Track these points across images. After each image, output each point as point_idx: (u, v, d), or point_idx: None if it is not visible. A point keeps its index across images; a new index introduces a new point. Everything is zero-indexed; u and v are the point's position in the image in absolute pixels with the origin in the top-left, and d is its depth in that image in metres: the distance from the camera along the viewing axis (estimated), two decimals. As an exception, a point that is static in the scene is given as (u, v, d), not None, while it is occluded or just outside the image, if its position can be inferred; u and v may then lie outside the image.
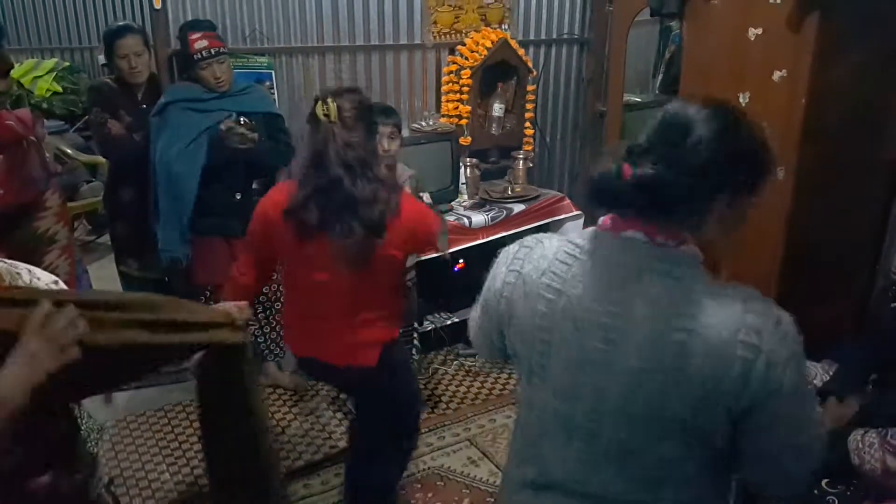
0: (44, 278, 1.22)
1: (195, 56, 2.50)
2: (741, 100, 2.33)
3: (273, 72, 3.02)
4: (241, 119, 2.50)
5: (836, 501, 1.68)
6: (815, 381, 2.02)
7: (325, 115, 1.68)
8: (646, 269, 1.02)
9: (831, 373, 2.04)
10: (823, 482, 1.73)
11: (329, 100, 1.69)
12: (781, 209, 2.24)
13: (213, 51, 2.51)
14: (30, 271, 1.22)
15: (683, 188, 0.98)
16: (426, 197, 2.75)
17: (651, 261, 1.03)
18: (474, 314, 1.30)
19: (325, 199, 1.69)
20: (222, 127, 2.51)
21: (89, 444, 1.76)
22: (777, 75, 2.21)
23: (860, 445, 1.66)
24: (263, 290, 2.83)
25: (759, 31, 2.25)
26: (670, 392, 0.98)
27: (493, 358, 1.31)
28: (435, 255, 2.25)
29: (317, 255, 1.75)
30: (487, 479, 2.40)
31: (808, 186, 2.22)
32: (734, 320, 0.98)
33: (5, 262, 1.20)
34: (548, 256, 1.10)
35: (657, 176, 0.98)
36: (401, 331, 2.00)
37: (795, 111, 2.16)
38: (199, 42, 2.50)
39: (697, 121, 1.01)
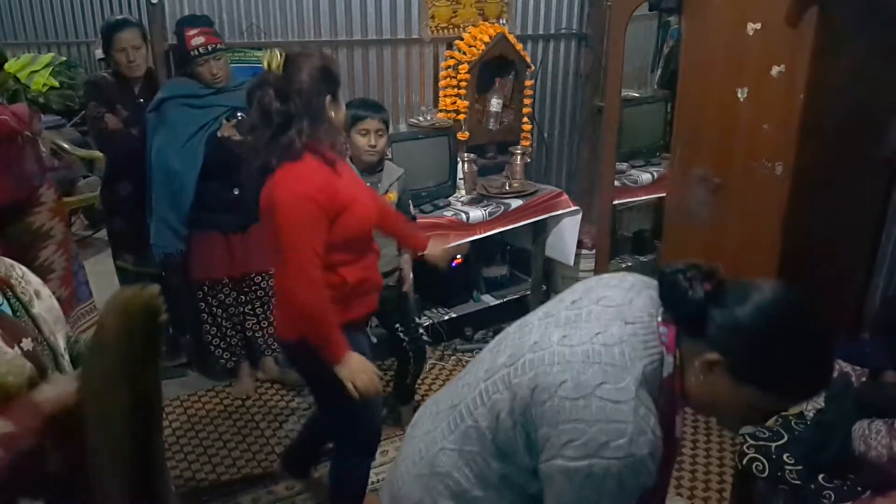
0: (33, 282, 1.22)
1: (192, 53, 2.49)
2: (739, 95, 2.34)
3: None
4: (240, 115, 2.49)
5: (833, 496, 1.69)
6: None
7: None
8: None
9: (837, 366, 2.04)
10: (820, 477, 1.73)
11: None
12: (779, 205, 2.25)
13: (209, 47, 2.50)
14: (22, 270, 1.22)
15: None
16: (410, 206, 2.71)
17: None
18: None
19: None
20: (222, 133, 2.51)
21: None
22: (775, 70, 2.21)
23: (867, 432, 1.66)
24: (261, 283, 2.83)
25: (758, 26, 2.25)
26: None
27: None
28: None
29: None
30: (485, 474, 2.40)
31: (806, 183, 2.23)
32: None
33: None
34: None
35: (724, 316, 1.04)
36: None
37: (793, 107, 2.17)
38: (196, 38, 2.48)
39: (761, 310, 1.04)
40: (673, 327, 1.05)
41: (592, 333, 1.04)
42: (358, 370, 1.69)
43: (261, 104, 1.64)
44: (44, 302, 1.24)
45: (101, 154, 3.35)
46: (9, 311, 1.16)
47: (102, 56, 2.84)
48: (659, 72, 3.94)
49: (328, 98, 1.68)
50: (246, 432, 2.67)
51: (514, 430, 1.07)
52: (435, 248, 2.04)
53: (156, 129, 2.57)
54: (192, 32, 2.48)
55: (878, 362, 1.94)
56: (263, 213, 1.71)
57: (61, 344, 1.25)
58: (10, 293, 1.18)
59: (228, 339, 2.85)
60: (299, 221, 1.63)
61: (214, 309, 2.79)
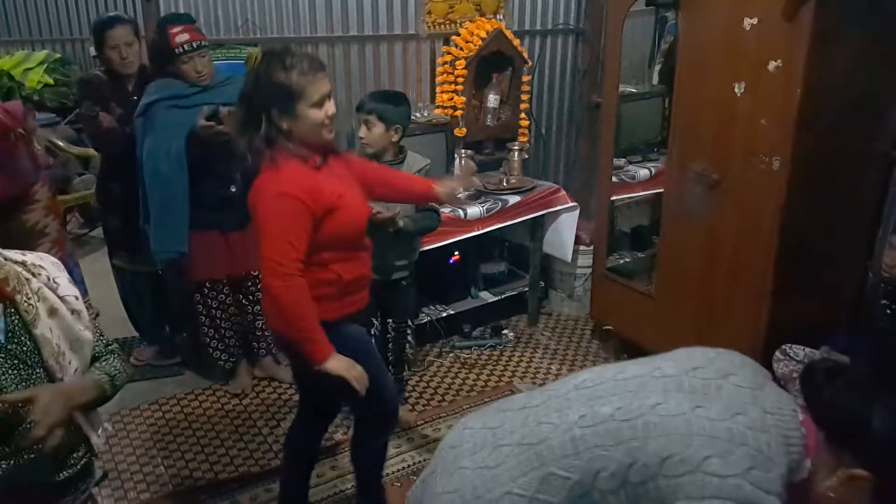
0: (50, 298, 1.21)
1: (176, 50, 2.45)
2: (736, 90, 2.33)
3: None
4: (227, 110, 2.47)
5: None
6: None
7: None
8: None
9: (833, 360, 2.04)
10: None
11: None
12: (776, 200, 2.25)
13: (194, 44, 2.47)
14: (41, 283, 1.20)
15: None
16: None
17: None
18: None
19: None
20: (197, 124, 2.46)
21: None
22: (772, 65, 2.20)
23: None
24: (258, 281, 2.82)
25: (755, 20, 2.24)
26: None
27: None
28: None
29: None
30: (483, 471, 2.40)
31: (803, 177, 2.22)
32: None
33: (17, 264, 1.18)
34: None
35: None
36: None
37: (790, 101, 2.16)
38: (180, 36, 2.45)
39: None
40: (814, 429, 1.01)
41: (731, 412, 1.00)
42: (342, 369, 1.68)
43: (238, 105, 1.72)
44: (61, 319, 1.22)
45: (96, 152, 3.33)
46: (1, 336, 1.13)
47: (96, 53, 2.82)
48: (657, 67, 3.93)
49: (274, 111, 1.64)
50: (243, 430, 2.66)
51: (619, 493, 1.00)
52: (443, 188, 2.02)
53: (145, 134, 2.51)
54: (175, 30, 2.45)
55: (858, 369, 1.93)
56: (250, 215, 1.71)
57: (71, 366, 1.22)
58: (13, 310, 1.16)
59: (227, 340, 2.84)
60: (277, 219, 1.63)
61: (213, 310, 2.77)
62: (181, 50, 2.45)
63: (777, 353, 2.13)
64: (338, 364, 1.68)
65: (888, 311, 1.88)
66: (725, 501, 0.93)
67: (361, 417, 1.98)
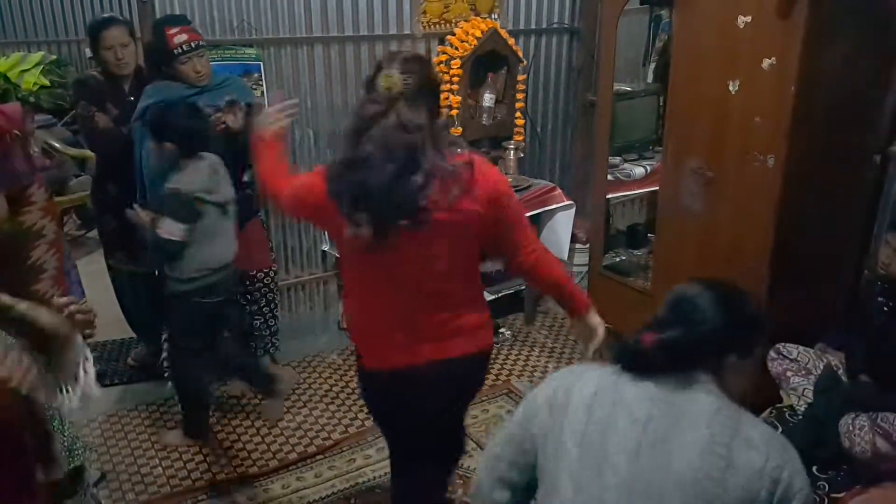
0: None
1: (175, 51, 2.45)
2: (731, 88, 2.34)
3: (262, 63, 3.00)
4: (241, 103, 2.46)
5: (827, 486, 1.70)
6: (807, 366, 2.04)
7: (387, 88, 1.43)
8: None
9: (825, 358, 2.05)
10: (814, 468, 1.74)
11: (394, 69, 1.45)
12: (771, 197, 2.26)
13: (193, 44, 2.47)
14: None
15: (694, 349, 1.17)
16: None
17: None
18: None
19: (357, 183, 1.44)
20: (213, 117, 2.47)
21: (74, 452, 1.71)
22: (766, 63, 2.21)
23: (851, 428, 1.68)
24: (263, 279, 2.82)
25: (749, 18, 2.25)
26: None
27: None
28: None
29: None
30: (481, 469, 2.41)
31: (797, 175, 2.23)
32: None
33: None
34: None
35: (675, 339, 1.17)
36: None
37: (785, 99, 2.17)
38: (179, 36, 2.45)
39: (701, 298, 1.22)
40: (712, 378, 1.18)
41: (769, 431, 1.16)
42: None
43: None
44: None
45: (92, 153, 3.33)
46: None
47: (92, 55, 2.82)
48: (653, 65, 3.93)
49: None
50: (241, 431, 2.66)
51: None
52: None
53: (143, 138, 2.49)
54: (173, 31, 2.45)
55: (853, 366, 1.95)
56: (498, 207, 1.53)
57: None
58: None
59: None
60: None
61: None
62: (180, 50, 2.45)
63: (771, 353, 2.14)
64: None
65: (885, 309, 1.89)
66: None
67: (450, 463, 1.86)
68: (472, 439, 2.58)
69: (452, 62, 3.24)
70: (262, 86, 3.01)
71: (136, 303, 3.00)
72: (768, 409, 2.01)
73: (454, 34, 3.29)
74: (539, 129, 3.81)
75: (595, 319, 1.68)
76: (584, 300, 1.71)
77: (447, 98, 3.27)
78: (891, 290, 1.86)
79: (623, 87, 3.62)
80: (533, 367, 3.11)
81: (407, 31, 3.27)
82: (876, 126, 2.49)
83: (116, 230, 2.86)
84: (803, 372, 2.01)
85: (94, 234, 4.24)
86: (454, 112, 3.26)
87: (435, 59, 3.33)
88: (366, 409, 2.77)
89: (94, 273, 3.24)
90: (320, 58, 3.12)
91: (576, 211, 3.35)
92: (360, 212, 1.42)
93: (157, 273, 2.82)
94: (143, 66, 2.78)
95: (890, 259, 1.82)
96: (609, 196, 3.29)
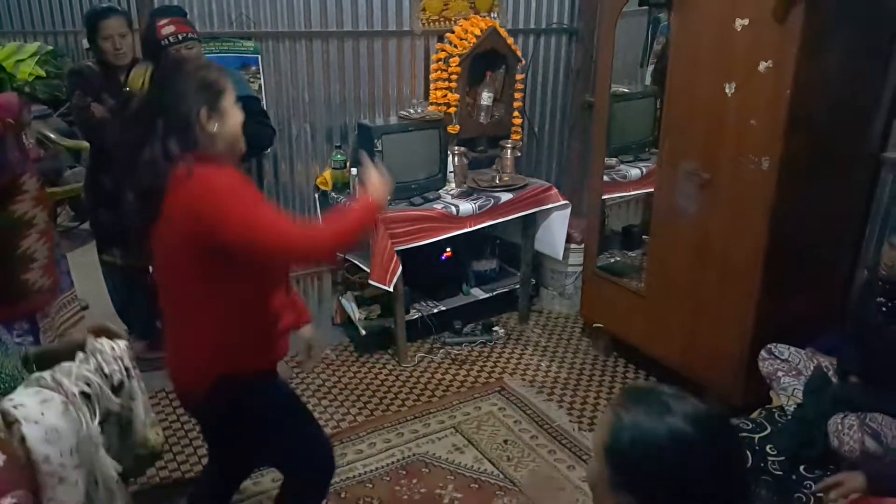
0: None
1: (162, 42, 2.46)
2: (727, 90, 2.34)
3: (259, 56, 3.00)
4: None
5: (813, 486, 1.71)
6: (798, 367, 2.05)
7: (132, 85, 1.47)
8: None
9: (816, 359, 2.07)
10: (801, 468, 1.75)
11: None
12: (765, 199, 2.26)
13: (179, 36, 2.47)
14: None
15: None
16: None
17: None
18: None
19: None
20: None
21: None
22: (763, 66, 2.22)
23: (840, 428, 1.69)
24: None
25: (746, 21, 2.26)
26: None
27: None
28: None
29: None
30: (472, 466, 2.41)
31: (792, 178, 2.24)
32: None
33: None
34: None
35: None
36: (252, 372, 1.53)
37: (780, 102, 2.18)
38: (166, 28, 2.46)
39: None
40: None
41: None
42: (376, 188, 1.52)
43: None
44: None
45: (87, 143, 3.31)
46: None
47: (89, 44, 2.81)
48: (650, 68, 3.94)
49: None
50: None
51: None
52: None
53: None
54: (162, 22, 2.46)
55: (846, 365, 1.97)
56: (183, 224, 1.39)
57: None
58: None
59: None
60: (254, 205, 1.38)
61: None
62: (166, 42, 2.45)
63: (762, 353, 2.15)
64: (379, 192, 1.51)
65: (884, 309, 1.90)
66: None
67: (292, 481, 1.78)
68: (463, 436, 2.59)
69: (451, 60, 3.24)
70: (259, 79, 3.01)
71: (130, 297, 2.99)
72: (758, 410, 2.02)
73: (453, 32, 3.30)
74: (537, 129, 3.82)
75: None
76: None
77: (445, 95, 3.27)
78: (892, 291, 1.87)
79: (621, 89, 3.62)
80: (526, 365, 3.11)
81: (406, 28, 3.27)
82: (869, 130, 2.50)
83: (110, 223, 2.85)
84: (794, 372, 2.02)
85: (87, 226, 4.22)
86: (452, 110, 3.27)
87: (434, 57, 3.34)
88: (358, 405, 2.79)
89: (86, 265, 3.22)
90: (319, 52, 3.12)
91: (572, 211, 3.36)
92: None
93: (151, 269, 2.82)
94: (140, 58, 2.77)
95: (893, 261, 1.83)
96: (605, 197, 3.30)
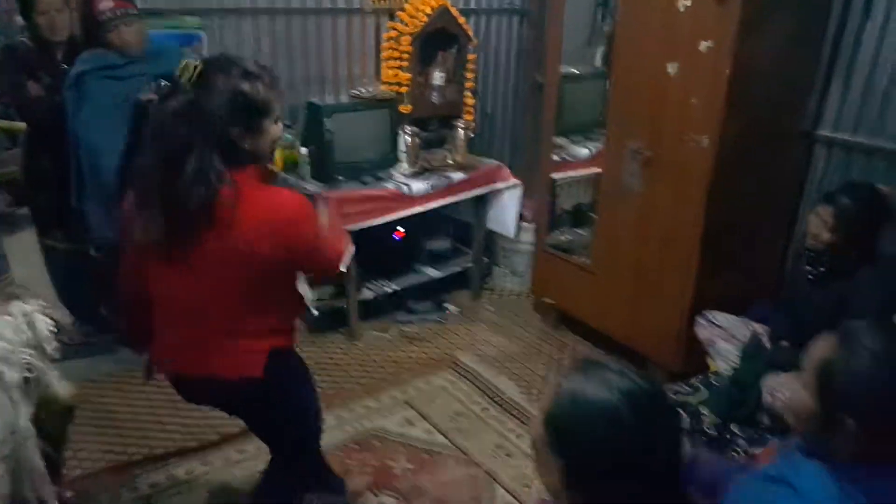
0: None
1: (99, 18, 2.39)
2: (670, 70, 2.40)
3: (204, 33, 2.93)
4: (162, 83, 2.40)
5: (745, 443, 1.80)
6: (734, 333, 2.14)
7: (180, 74, 1.41)
8: None
9: (751, 326, 2.16)
10: (733, 427, 1.84)
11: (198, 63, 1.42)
12: (704, 176, 2.34)
13: (118, 12, 2.40)
14: None
15: None
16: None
17: None
18: None
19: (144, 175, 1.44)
20: (142, 98, 2.39)
21: None
22: (703, 45, 2.29)
23: (773, 384, 1.77)
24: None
25: (689, 2, 2.32)
26: None
27: None
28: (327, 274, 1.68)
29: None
30: (424, 438, 2.45)
31: (729, 155, 2.32)
32: None
33: None
34: None
35: None
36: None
37: (720, 81, 2.25)
38: (104, 3, 2.39)
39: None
40: None
41: None
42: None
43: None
44: None
45: (24, 123, 3.19)
46: None
47: (24, 20, 2.70)
48: (600, 49, 4.00)
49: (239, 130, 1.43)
50: (181, 405, 2.61)
51: None
52: None
53: (77, 106, 2.42)
54: None
55: (777, 331, 2.07)
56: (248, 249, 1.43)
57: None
58: None
59: None
60: (315, 226, 1.53)
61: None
62: (104, 18, 2.38)
63: (700, 319, 2.24)
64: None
65: (810, 277, 2.00)
66: None
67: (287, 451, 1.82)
68: (415, 409, 2.62)
69: (402, 39, 3.23)
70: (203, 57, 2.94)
71: (72, 282, 2.91)
72: (696, 376, 2.11)
73: (404, 10, 3.28)
74: (489, 109, 3.84)
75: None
76: None
77: (396, 75, 3.26)
78: (817, 260, 1.97)
79: (571, 70, 3.66)
80: (478, 341, 3.16)
81: (356, 6, 3.24)
82: (802, 109, 2.60)
83: (51, 206, 2.76)
84: (730, 338, 2.11)
85: (25, 210, 4.07)
86: (404, 89, 3.26)
87: (385, 35, 3.32)
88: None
89: (26, 251, 3.12)
90: (266, 30, 3.07)
91: (524, 190, 3.40)
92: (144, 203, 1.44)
93: (94, 251, 2.75)
94: (77, 35, 2.68)
95: (819, 230, 1.92)
96: (555, 176, 3.35)
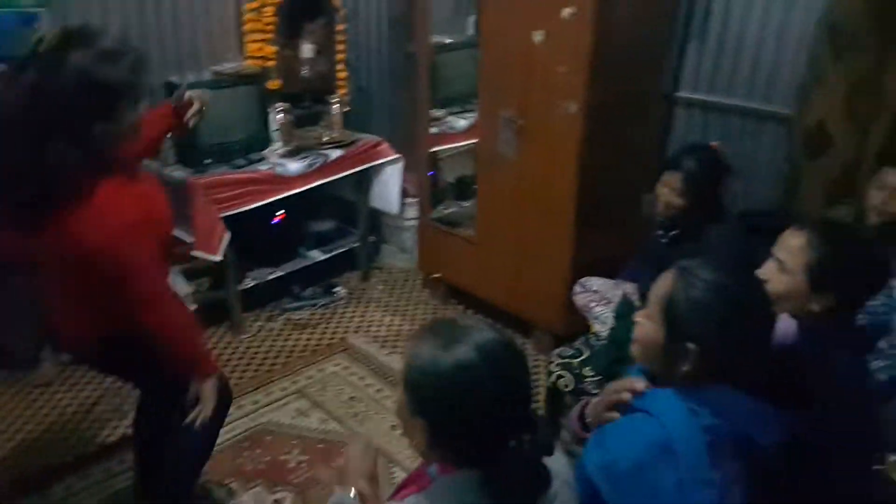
0: None
1: None
2: (536, 38, 2.42)
3: (43, 11, 2.62)
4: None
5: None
6: (607, 296, 2.21)
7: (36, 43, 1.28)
8: None
9: (621, 288, 2.25)
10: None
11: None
12: (573, 143, 2.40)
13: None
14: None
15: None
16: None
17: None
18: None
19: None
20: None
21: None
22: (566, 12, 2.31)
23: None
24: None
25: (550, -32, 2.33)
26: None
27: None
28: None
29: None
30: (318, 427, 2.39)
31: (596, 120, 2.39)
32: None
33: None
34: None
35: None
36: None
37: (583, 47, 2.29)
38: None
39: None
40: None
41: None
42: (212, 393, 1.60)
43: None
44: None
45: None
46: None
47: None
48: (472, 18, 3.98)
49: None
50: (53, 420, 2.41)
51: None
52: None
53: None
54: None
55: (643, 290, 2.16)
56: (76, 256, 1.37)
57: None
58: None
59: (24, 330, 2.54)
60: (138, 252, 1.40)
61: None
62: None
63: (575, 287, 2.32)
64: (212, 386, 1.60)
65: (663, 241, 2.10)
66: None
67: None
68: (308, 399, 2.55)
69: (265, 9, 3.05)
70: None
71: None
72: (580, 338, 2.18)
73: (264, -21, 3.10)
74: (364, 83, 3.74)
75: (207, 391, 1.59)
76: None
77: (261, 49, 3.09)
78: (666, 224, 2.07)
79: (444, 39, 3.63)
80: (369, 322, 3.12)
81: (213, -25, 3.02)
82: (662, 72, 2.72)
83: None
84: (604, 301, 2.20)
85: None
86: (271, 63, 3.10)
87: (247, 6, 3.12)
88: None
89: None
90: (116, 8, 2.79)
91: (406, 165, 3.35)
92: None
93: None
94: None
95: (669, 197, 2.01)
96: (436, 149, 3.33)
